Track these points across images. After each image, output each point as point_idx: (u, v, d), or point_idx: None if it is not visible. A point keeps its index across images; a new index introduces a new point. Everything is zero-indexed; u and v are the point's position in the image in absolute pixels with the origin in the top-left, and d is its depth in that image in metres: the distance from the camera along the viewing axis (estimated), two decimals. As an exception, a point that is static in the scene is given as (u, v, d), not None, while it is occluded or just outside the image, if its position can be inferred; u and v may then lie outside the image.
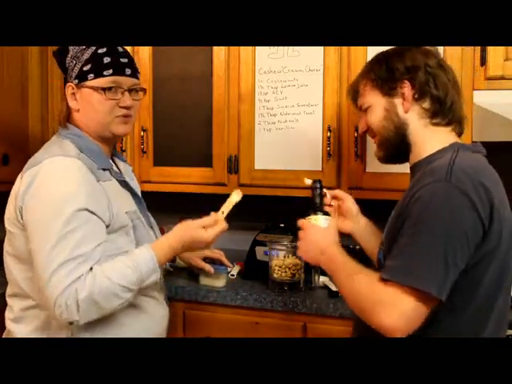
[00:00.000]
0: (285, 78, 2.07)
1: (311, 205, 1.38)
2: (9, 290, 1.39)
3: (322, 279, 1.95)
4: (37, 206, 1.25)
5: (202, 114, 2.17)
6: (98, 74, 1.33)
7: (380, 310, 1.09)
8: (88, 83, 1.33)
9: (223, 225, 1.40)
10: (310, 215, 1.36)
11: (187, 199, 2.42)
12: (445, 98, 1.23)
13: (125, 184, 1.45)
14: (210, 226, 1.37)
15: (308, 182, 1.43)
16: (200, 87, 2.17)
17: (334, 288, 1.91)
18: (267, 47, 2.08)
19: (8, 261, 1.36)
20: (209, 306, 2.00)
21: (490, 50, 1.83)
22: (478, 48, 1.85)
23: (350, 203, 1.50)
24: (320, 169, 2.06)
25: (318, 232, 1.32)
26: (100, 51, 1.34)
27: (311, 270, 1.73)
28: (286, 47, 2.06)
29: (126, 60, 1.37)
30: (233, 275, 2.14)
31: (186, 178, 2.22)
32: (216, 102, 2.15)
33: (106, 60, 1.33)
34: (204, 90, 2.16)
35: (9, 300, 1.40)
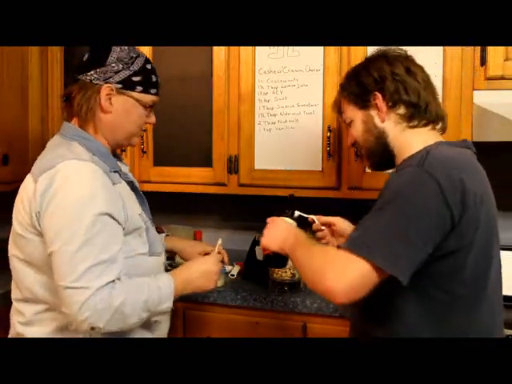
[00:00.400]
0: (285, 78, 2.07)
1: (283, 213, 1.46)
2: (18, 295, 1.35)
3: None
4: (56, 210, 1.23)
5: (202, 114, 2.17)
6: (146, 91, 1.37)
7: (329, 272, 1.10)
8: (134, 94, 1.35)
9: (219, 254, 1.56)
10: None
11: (187, 199, 2.42)
12: (418, 101, 1.25)
13: (131, 184, 1.44)
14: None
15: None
16: (200, 87, 2.17)
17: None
18: (267, 47, 2.07)
19: (18, 266, 1.33)
20: (209, 305, 2.00)
21: (490, 50, 1.83)
22: (478, 48, 1.85)
23: (342, 225, 1.52)
24: (320, 169, 2.06)
25: (285, 223, 1.40)
26: (148, 67, 1.38)
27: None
28: (285, 47, 2.06)
29: (159, 80, 1.42)
30: (233, 275, 2.14)
31: (185, 178, 2.21)
32: (216, 102, 2.15)
33: (154, 79, 1.39)
34: (204, 90, 2.16)
35: (18, 304, 1.35)
